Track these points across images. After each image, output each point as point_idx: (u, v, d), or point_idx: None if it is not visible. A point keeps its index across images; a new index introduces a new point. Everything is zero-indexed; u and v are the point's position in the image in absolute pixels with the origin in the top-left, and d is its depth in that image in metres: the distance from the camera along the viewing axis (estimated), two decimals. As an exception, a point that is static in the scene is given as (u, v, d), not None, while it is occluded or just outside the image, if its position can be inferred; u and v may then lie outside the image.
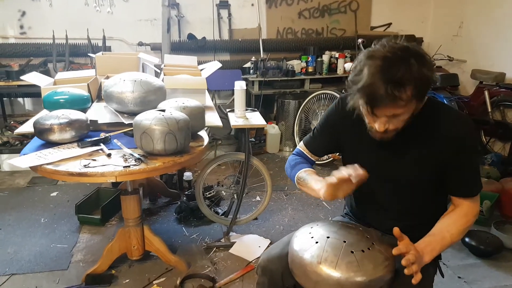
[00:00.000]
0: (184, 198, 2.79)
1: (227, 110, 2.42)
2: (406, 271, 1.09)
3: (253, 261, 2.29)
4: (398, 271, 1.19)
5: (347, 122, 1.31)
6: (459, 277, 2.20)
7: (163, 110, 1.71)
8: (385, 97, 1.01)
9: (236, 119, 2.26)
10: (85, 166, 1.58)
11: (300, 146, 1.51)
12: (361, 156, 1.31)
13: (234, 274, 2.16)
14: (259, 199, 3.01)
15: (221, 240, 2.47)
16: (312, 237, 1.25)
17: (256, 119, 2.28)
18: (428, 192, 1.30)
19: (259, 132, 3.91)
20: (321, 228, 1.30)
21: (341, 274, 1.13)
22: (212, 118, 2.17)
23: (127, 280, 2.13)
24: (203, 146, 1.85)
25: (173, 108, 1.85)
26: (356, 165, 1.17)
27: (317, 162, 2.33)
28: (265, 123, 2.23)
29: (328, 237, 1.23)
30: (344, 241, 1.21)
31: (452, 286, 2.13)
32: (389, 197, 1.33)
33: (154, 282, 2.12)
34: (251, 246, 2.42)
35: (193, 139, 1.88)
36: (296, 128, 3.91)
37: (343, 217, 1.57)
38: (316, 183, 1.26)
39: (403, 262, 1.09)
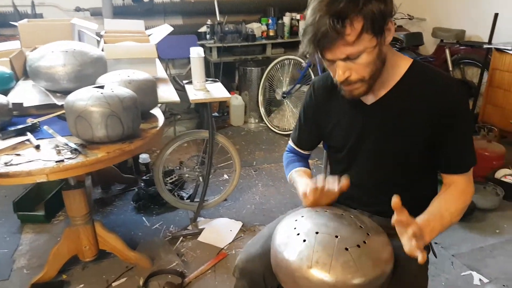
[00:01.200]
0: (142, 183, 2.49)
1: (184, 81, 2.11)
2: (414, 245, 0.89)
3: (225, 248, 2.08)
4: (396, 259, 1.02)
5: (322, 103, 1.19)
6: (436, 243, 2.13)
7: (102, 87, 1.39)
8: (330, 32, 0.88)
9: (195, 92, 1.96)
10: (6, 164, 1.24)
11: (290, 142, 1.37)
12: (341, 133, 1.17)
13: (205, 265, 1.94)
14: (227, 178, 2.77)
15: (188, 228, 2.22)
16: (298, 234, 1.03)
17: (218, 91, 2.00)
18: (415, 168, 1.13)
19: (222, 104, 3.61)
20: (307, 220, 1.08)
21: (336, 278, 0.93)
22: (167, 93, 1.86)
23: (81, 286, 1.85)
24: (158, 128, 1.55)
25: (116, 82, 1.52)
26: (336, 177, 1.08)
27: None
28: (229, 95, 1.95)
29: (317, 233, 1.02)
30: (336, 236, 1.00)
31: (431, 255, 2.04)
32: (372, 174, 1.16)
33: (113, 284, 1.86)
34: (221, 231, 2.19)
35: (144, 119, 1.58)
36: (260, 98, 3.65)
37: None
38: (302, 186, 1.14)
39: (411, 234, 0.89)
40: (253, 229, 2.22)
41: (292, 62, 3.45)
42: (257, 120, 3.80)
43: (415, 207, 1.16)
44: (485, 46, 3.00)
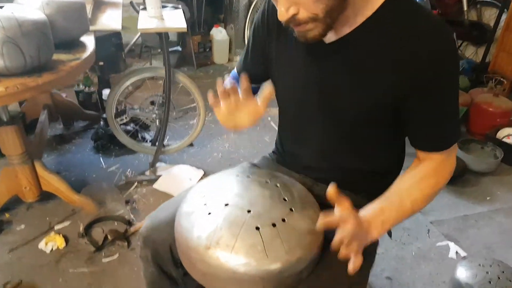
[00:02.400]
0: (102, 122, 2.29)
1: (141, 7, 1.81)
2: (340, 254, 0.73)
3: (181, 198, 1.92)
4: (328, 239, 0.82)
5: (273, 29, 0.91)
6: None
7: (1, 7, 1.13)
8: None
9: (148, 20, 1.68)
10: None
11: (235, 68, 1.08)
12: (290, 75, 0.91)
13: (156, 215, 1.79)
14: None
15: (145, 173, 2.05)
16: (205, 204, 0.84)
17: (174, 20, 1.71)
18: (377, 132, 0.89)
19: (205, 38, 3.26)
20: (221, 187, 0.89)
21: (238, 263, 0.75)
22: (109, 19, 1.58)
23: (22, 226, 1.73)
24: (81, 60, 1.30)
25: (36, 2, 1.26)
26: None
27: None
28: (185, 26, 1.66)
29: (226, 205, 0.82)
30: (249, 211, 0.81)
31: (405, 221, 1.87)
32: (322, 133, 0.94)
33: (55, 227, 1.73)
34: (180, 179, 2.03)
35: (67, 49, 1.33)
36: (247, 33, 3.28)
37: (270, 157, 1.17)
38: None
39: (334, 243, 0.72)
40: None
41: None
42: (243, 58, 3.46)
43: (369, 180, 0.97)
44: (508, -19, 2.56)
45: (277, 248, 0.76)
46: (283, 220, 0.80)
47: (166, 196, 1.92)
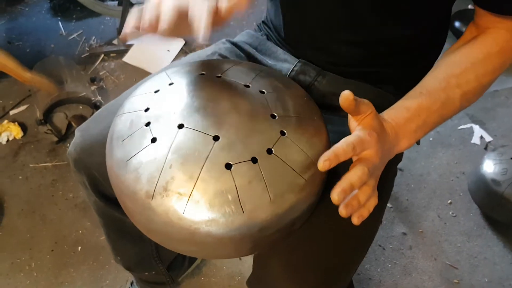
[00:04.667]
0: (54, -27, 1.80)
1: None
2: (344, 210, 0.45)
3: (159, 74, 1.60)
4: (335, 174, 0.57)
5: None
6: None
7: None
8: None
9: None
10: None
11: None
12: None
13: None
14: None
15: (113, 43, 1.68)
16: (148, 124, 0.52)
17: None
18: None
19: None
20: (175, 94, 0.57)
21: (198, 219, 0.48)
22: None
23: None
24: None
25: None
26: None
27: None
28: None
29: (181, 126, 0.51)
30: (216, 138, 0.50)
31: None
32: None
33: (10, 112, 1.47)
34: (156, 51, 1.66)
35: None
36: None
37: (257, 33, 0.83)
38: None
39: (338, 191, 0.43)
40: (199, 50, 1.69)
41: None
42: None
43: (397, 64, 0.68)
44: None
45: (258, 195, 0.48)
46: (269, 151, 0.50)
47: (139, 72, 1.59)
